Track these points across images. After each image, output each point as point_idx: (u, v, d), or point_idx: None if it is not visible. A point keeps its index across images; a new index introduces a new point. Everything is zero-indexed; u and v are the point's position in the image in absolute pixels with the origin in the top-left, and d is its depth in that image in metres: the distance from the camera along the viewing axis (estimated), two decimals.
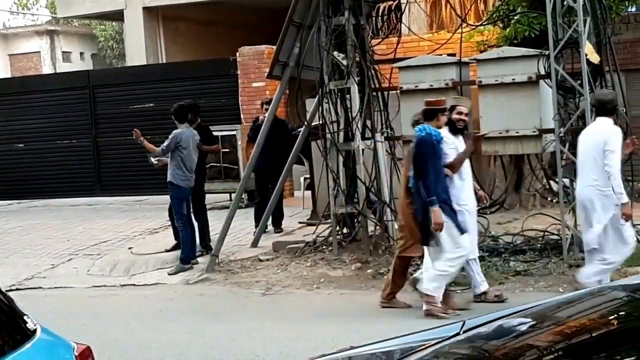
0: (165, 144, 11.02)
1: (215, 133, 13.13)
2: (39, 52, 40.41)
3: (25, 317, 3.49)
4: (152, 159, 11.42)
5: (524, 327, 3.46)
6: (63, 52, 40.51)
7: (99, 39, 40.24)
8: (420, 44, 13.51)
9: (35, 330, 3.43)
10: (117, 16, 23.14)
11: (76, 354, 3.47)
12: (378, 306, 8.73)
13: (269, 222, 12.60)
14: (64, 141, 18.13)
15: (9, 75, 36.47)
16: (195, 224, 11.54)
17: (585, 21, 9.39)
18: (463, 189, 8.39)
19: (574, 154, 9.68)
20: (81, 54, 41.28)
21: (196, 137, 11.27)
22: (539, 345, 3.20)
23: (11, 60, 40.62)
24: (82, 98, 17.94)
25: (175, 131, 11.05)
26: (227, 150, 15.35)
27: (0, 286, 3.73)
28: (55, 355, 3.45)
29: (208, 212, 12.11)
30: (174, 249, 11.70)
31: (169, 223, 12.03)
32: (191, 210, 11.41)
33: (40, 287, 11.07)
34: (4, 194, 18.65)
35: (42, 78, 24.41)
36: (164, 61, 21.43)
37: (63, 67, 37.90)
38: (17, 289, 10.80)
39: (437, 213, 7.92)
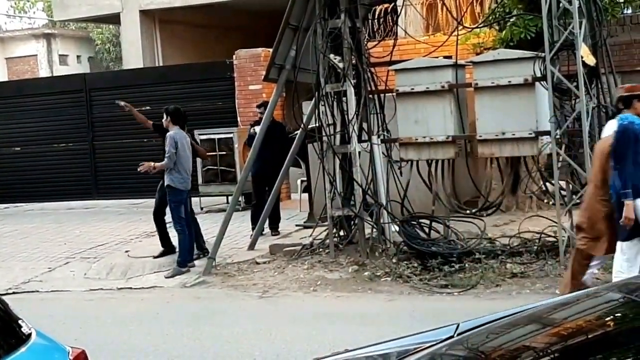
0: (168, 149, 10.88)
1: (211, 136, 13.16)
2: (36, 55, 40.38)
3: (20, 321, 3.48)
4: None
5: (519, 329, 3.46)
6: (60, 55, 40.48)
7: (95, 42, 40.21)
8: (416, 46, 13.51)
9: (30, 335, 3.42)
10: (114, 19, 23.15)
11: (71, 357, 3.47)
12: (374, 308, 8.73)
13: (266, 224, 12.59)
14: (60, 144, 18.13)
15: (5, 79, 36.46)
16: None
17: (581, 23, 9.40)
18: None
19: (570, 156, 9.71)
20: (78, 57, 41.26)
21: (188, 138, 11.28)
22: (535, 347, 3.20)
23: (8, 64, 40.59)
24: (78, 101, 17.94)
25: (169, 134, 11.01)
26: (224, 153, 15.36)
27: None
28: (50, 358, 3.44)
29: (205, 215, 12.10)
30: (161, 255, 11.66)
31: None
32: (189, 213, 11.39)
33: (37, 291, 11.05)
34: (1, 197, 18.64)
35: (38, 81, 24.41)
36: (161, 64, 21.44)
37: (60, 70, 37.87)
38: (13, 293, 10.79)
39: (629, 207, 7.54)
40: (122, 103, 12.15)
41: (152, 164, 11.08)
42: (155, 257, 11.65)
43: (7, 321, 3.48)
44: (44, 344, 3.47)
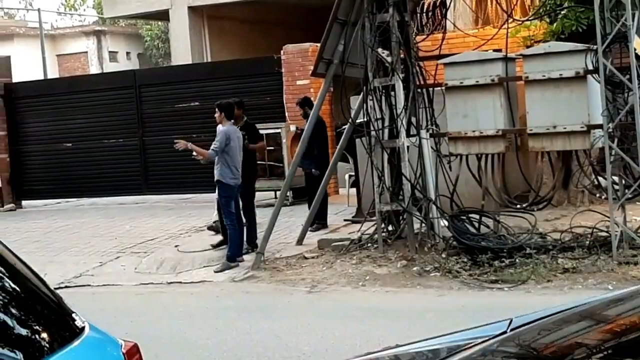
0: (217, 144, 10.95)
1: (260, 131, 13.18)
2: (86, 52, 40.93)
3: (73, 315, 3.51)
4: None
5: (572, 326, 3.41)
6: (110, 52, 40.99)
7: (144, 38, 40.64)
8: (465, 39, 13.41)
9: (83, 328, 3.45)
10: (163, 16, 23.37)
11: (124, 351, 3.49)
12: (424, 304, 8.70)
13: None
14: (110, 140, 18.31)
15: (57, 76, 36.98)
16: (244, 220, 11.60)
17: (633, 15, 9.25)
18: None
19: (623, 150, 9.57)
20: (127, 53, 41.73)
21: (239, 133, 11.31)
22: (588, 343, 3.15)
23: (59, 61, 41.19)
24: (128, 97, 18.10)
25: (222, 129, 11.07)
26: (272, 148, 15.40)
27: (50, 284, 3.76)
28: (103, 352, 3.47)
29: None
30: (219, 245, 11.75)
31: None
32: (240, 208, 11.45)
33: (89, 285, 11.20)
34: (53, 193, 18.91)
35: (89, 78, 24.69)
36: (209, 60, 21.57)
37: (110, 67, 38.35)
38: (66, 287, 10.94)
39: None
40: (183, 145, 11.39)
41: (190, 143, 11.21)
42: (214, 246, 11.73)
43: (61, 314, 3.51)
44: (97, 337, 3.50)
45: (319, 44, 11.94)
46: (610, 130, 9.42)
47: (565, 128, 10.00)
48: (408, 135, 10.77)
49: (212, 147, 11.02)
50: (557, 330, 3.39)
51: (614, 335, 3.17)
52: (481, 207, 10.93)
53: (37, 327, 3.39)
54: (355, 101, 12.21)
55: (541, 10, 12.79)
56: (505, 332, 3.33)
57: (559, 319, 3.45)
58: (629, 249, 9.42)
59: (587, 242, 9.88)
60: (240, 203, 11.54)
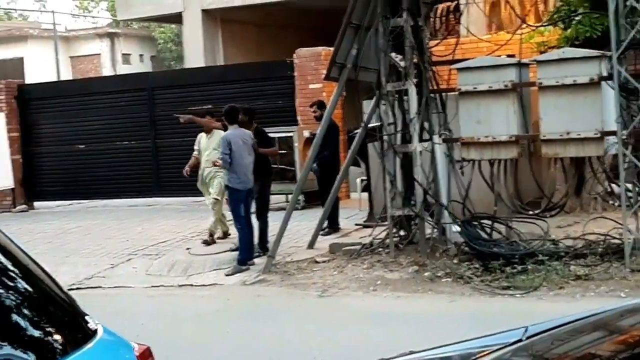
0: (222, 150, 11.04)
1: (272, 135, 13.17)
2: (100, 54, 41.08)
3: (86, 317, 3.50)
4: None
5: (586, 336, 3.39)
6: (123, 54, 41.12)
7: (158, 41, 40.78)
8: (479, 45, 13.38)
9: (96, 330, 3.44)
10: (176, 19, 23.42)
11: (137, 354, 3.48)
12: (435, 309, 8.67)
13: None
14: (123, 142, 18.34)
15: (70, 77, 37.11)
16: (256, 224, 11.58)
17: None
18: None
19: (637, 157, 9.52)
20: (140, 56, 41.85)
21: (246, 136, 11.28)
22: (602, 354, 3.13)
23: (72, 62, 41.34)
24: (141, 100, 18.13)
25: (222, 135, 11.18)
26: (284, 151, 15.39)
27: (61, 285, 3.75)
28: (117, 355, 3.45)
29: None
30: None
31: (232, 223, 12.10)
32: (251, 211, 11.45)
33: (100, 287, 11.21)
34: (65, 194, 18.96)
35: (102, 80, 24.76)
36: (222, 63, 21.59)
37: (123, 69, 38.48)
38: (77, 289, 10.95)
39: None
40: (182, 119, 12.83)
41: (217, 160, 11.55)
42: (233, 250, 11.67)
43: (74, 316, 3.51)
44: (110, 340, 3.48)
45: (332, 48, 11.93)
46: (624, 137, 9.38)
47: (578, 134, 9.97)
48: (421, 140, 10.75)
49: (220, 158, 11.15)
50: (571, 340, 3.37)
51: (628, 346, 3.15)
52: (493, 213, 10.90)
53: (50, 329, 3.37)
54: (367, 105, 12.20)
55: (555, 16, 12.75)
56: (520, 340, 3.32)
57: (573, 329, 3.43)
58: None
59: (600, 249, 9.84)
60: (254, 206, 11.57)
